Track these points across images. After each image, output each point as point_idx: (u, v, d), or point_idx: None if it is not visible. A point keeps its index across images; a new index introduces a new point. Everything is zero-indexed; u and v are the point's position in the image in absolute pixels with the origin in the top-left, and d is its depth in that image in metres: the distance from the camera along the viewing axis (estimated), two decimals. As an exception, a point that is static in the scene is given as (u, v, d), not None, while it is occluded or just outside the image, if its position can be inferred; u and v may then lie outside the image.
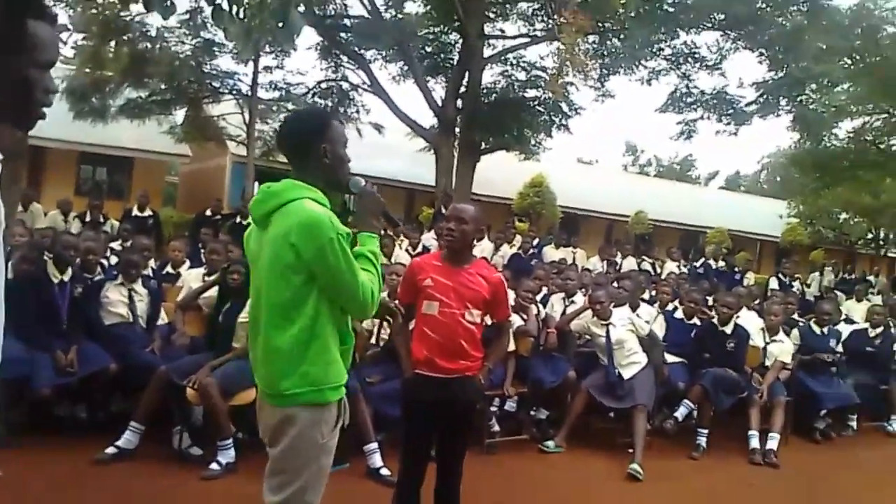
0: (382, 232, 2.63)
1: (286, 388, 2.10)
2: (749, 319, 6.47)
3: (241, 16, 4.05)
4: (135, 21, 11.21)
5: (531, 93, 15.04)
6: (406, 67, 15.27)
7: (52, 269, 4.68)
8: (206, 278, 5.45)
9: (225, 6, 3.84)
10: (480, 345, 3.22)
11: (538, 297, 6.14)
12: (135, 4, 8.82)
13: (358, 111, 15.40)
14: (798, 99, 16.23)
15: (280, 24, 3.99)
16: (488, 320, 3.37)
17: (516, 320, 5.28)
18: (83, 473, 4.06)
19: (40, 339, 4.39)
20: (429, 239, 10.21)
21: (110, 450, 4.22)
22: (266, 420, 2.21)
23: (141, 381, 4.49)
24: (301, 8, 4.55)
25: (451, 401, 3.14)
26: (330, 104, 14.73)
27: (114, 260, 6.29)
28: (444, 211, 11.89)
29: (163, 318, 5.14)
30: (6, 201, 1.40)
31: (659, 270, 11.03)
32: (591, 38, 13.59)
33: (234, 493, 3.99)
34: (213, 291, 4.93)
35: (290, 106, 13.82)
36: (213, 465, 4.20)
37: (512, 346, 5.08)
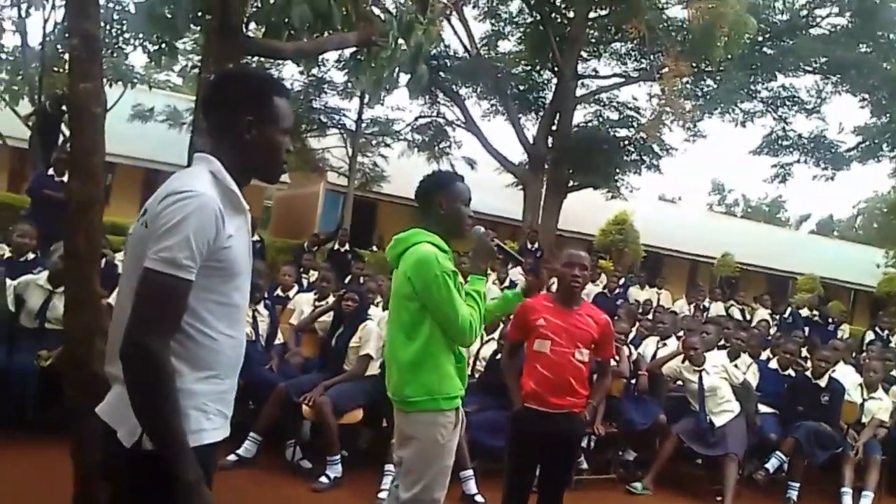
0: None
1: (408, 395, 2.61)
2: (846, 374, 6.37)
3: (374, 65, 4.48)
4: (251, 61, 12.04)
5: (622, 132, 15.15)
6: (498, 104, 15.69)
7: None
8: (317, 303, 5.88)
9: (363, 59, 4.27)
10: (587, 383, 3.43)
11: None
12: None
13: (450, 146, 15.94)
14: (902, 146, 15.68)
15: (409, 75, 4.40)
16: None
17: (608, 361, 5.43)
18: (207, 477, 4.45)
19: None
20: (516, 274, 10.42)
21: (231, 457, 4.61)
22: (398, 425, 2.70)
23: (259, 395, 4.91)
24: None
25: (557, 434, 3.35)
26: (425, 139, 15.33)
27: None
28: (529, 246, 12.12)
29: (278, 339, 5.58)
30: None
31: (749, 317, 10.85)
32: (685, 78, 13.62)
33: (341, 506, 4.31)
34: (328, 316, 5.32)
35: (388, 140, 14.52)
36: (323, 479, 4.52)
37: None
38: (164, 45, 4.55)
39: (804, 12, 15.20)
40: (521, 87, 15.85)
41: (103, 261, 5.02)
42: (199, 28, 5.08)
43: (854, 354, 7.81)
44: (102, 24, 6.29)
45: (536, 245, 12.16)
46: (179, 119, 13.51)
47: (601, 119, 15.70)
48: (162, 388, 1.49)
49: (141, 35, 5.43)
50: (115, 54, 8.95)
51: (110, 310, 4.76)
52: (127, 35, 7.36)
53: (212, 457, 1.66)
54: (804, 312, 11.59)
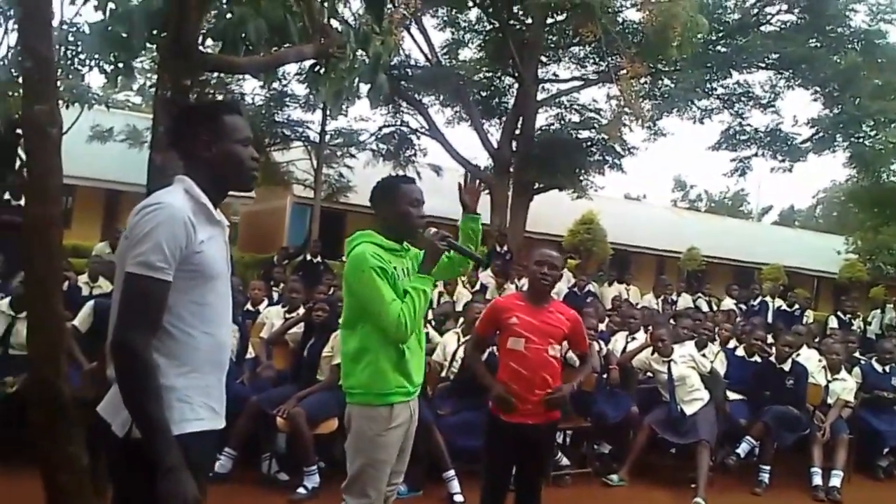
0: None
1: (346, 386, 2.78)
2: (810, 357, 6.54)
3: (333, 76, 4.50)
4: (211, 77, 11.97)
5: (584, 134, 15.36)
6: (461, 111, 15.81)
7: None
8: (287, 315, 5.87)
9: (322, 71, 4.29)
10: (560, 378, 3.50)
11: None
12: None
13: (415, 154, 16.00)
14: (855, 136, 16.14)
15: (369, 85, 4.44)
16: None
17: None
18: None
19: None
20: (486, 277, 10.48)
21: (207, 473, 4.58)
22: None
23: (232, 410, 4.87)
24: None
25: (532, 431, 3.40)
26: (390, 148, 15.37)
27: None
28: (498, 249, 12.20)
29: (249, 353, 5.55)
30: None
31: (716, 308, 11.04)
32: (643, 79, 13.88)
33: (320, 516, 4.31)
34: (299, 328, 5.31)
35: (353, 150, 14.52)
36: (300, 490, 4.52)
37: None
38: (120, 65, 4.51)
39: (755, 10, 15.63)
40: (483, 94, 15.99)
41: (66, 284, 4.97)
42: (155, 46, 5.06)
43: (817, 339, 8.01)
44: (57, 45, 6.23)
45: (506, 248, 12.25)
46: (139, 138, 13.31)
47: (563, 122, 15.91)
48: (144, 379, 1.67)
49: (97, 55, 5.38)
50: (70, 76, 8.83)
51: (75, 332, 4.73)
52: (82, 56, 7.27)
53: (200, 445, 1.80)
54: (771, 301, 11.82)
